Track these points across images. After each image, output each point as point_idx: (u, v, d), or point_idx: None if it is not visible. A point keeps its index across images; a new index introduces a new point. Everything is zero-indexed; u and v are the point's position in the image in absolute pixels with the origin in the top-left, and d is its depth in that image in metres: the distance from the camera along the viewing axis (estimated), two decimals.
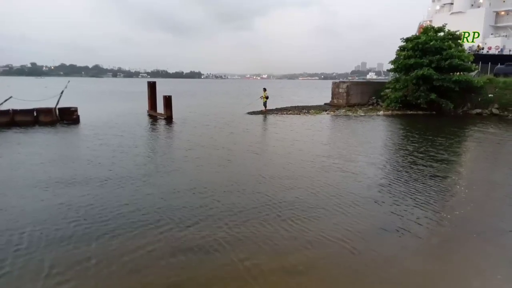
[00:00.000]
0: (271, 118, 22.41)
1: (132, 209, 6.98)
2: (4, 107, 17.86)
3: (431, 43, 25.00)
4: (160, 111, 21.85)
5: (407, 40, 27.21)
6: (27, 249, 5.35)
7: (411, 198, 7.77)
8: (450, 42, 25.16)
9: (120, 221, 6.40)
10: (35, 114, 18.10)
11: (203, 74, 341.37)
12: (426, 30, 26.81)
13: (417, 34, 30.34)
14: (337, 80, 34.57)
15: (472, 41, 24.69)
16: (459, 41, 25.78)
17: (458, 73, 25.58)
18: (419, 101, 25.11)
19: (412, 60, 25.61)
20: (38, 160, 10.76)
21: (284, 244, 5.62)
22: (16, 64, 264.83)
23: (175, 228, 6.12)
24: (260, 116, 23.16)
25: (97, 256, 5.17)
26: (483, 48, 35.20)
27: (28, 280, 4.60)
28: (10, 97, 18.35)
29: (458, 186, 8.74)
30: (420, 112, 25.47)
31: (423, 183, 8.83)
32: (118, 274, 4.76)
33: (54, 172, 9.46)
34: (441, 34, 26.24)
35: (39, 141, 14.04)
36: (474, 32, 25.00)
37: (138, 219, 6.50)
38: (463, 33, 25.05)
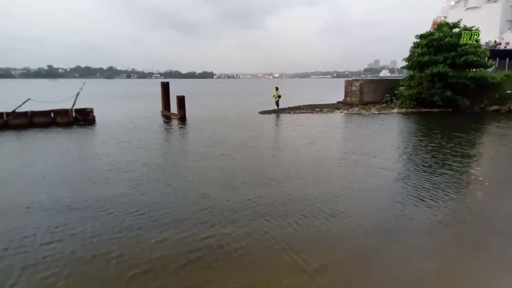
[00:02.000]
0: (284, 117, 22.39)
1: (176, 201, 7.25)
2: (22, 109, 18.31)
3: (446, 39, 24.58)
4: (174, 111, 22.08)
5: (421, 36, 26.79)
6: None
7: (436, 195, 7.69)
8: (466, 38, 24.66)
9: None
10: (52, 115, 18.51)
11: (216, 74, 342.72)
12: (441, 26, 26.35)
13: (431, 30, 29.87)
14: (350, 78, 34.30)
15: (472, 41, 24.02)
16: (474, 36, 25.24)
17: (474, 70, 25.08)
18: (434, 99, 24.72)
19: (426, 57, 25.22)
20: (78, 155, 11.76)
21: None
22: (34, 66, 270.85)
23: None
24: (273, 115, 23.18)
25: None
26: (500, 44, 34.45)
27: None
28: (28, 99, 18.77)
29: (486, 183, 8.66)
30: (436, 110, 25.07)
31: (448, 180, 8.73)
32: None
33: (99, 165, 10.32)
34: (456, 30, 25.76)
35: (67, 140, 14.54)
36: (474, 32, 24.26)
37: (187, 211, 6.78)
38: (463, 33, 24.52)
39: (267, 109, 25.51)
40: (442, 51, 24.95)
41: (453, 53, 24.44)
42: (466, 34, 24.30)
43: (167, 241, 5.64)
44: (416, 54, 26.52)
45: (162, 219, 6.47)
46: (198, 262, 5.02)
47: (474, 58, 23.97)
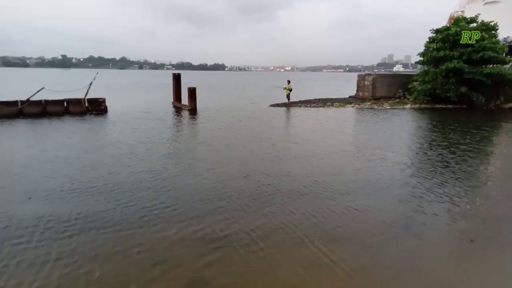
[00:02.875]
0: (295, 110, 22.27)
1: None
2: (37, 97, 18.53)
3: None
4: (185, 103, 22.14)
5: (437, 31, 26.23)
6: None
7: (453, 191, 7.59)
8: (484, 33, 24.07)
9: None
10: (65, 104, 18.73)
11: (227, 66, 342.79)
12: (457, 21, 25.73)
13: (448, 25, 29.20)
14: (362, 73, 33.87)
15: (472, 41, 23.38)
16: (493, 32, 24.63)
17: (490, 66, 24.50)
18: (448, 94, 24.27)
19: (441, 53, 24.72)
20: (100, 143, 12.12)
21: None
22: (48, 56, 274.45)
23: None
24: (284, 109, 23.07)
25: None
26: None
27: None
28: (42, 88, 18.99)
29: (505, 180, 8.56)
30: (450, 106, 24.63)
31: (466, 176, 8.60)
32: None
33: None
34: (474, 25, 25.14)
35: (82, 129, 14.71)
36: (474, 32, 23.53)
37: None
38: (463, 33, 23.89)
39: (278, 102, 25.39)
40: (458, 46, 24.41)
41: (469, 48, 23.90)
42: (466, 34, 23.73)
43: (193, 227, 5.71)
44: (431, 49, 26.00)
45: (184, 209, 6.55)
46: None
47: (492, 54, 23.39)
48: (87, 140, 12.56)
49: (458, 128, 15.94)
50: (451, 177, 8.62)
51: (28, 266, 4.65)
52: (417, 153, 11.20)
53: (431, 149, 11.66)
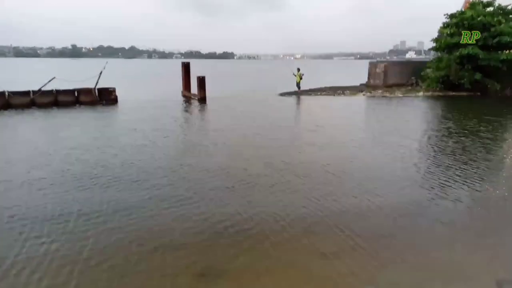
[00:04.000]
0: (305, 99, 22.06)
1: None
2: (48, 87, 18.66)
3: (479, 18, 23.30)
4: (194, 92, 22.06)
5: (452, 16, 25.52)
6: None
7: (474, 179, 7.55)
8: (500, 17, 23.34)
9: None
10: (76, 94, 18.82)
11: (236, 55, 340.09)
12: (474, 5, 24.96)
13: (463, 10, 28.38)
14: (374, 60, 33.29)
15: (472, 41, 22.67)
16: (510, 16, 23.87)
17: (507, 51, 23.80)
18: (462, 82, 23.73)
19: (456, 38, 24.07)
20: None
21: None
22: (58, 46, 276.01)
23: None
24: (294, 97, 22.85)
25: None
26: None
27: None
28: (54, 77, 19.07)
29: None
30: (464, 93, 24.08)
31: (487, 165, 8.50)
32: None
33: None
34: (490, 9, 24.37)
35: (96, 118, 14.81)
36: (474, 32, 22.77)
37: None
38: (463, 33, 23.17)
39: (288, 91, 25.15)
40: (474, 31, 23.71)
41: (485, 34, 23.22)
42: (466, 34, 23.04)
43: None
44: (445, 34, 25.37)
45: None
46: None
47: (509, 39, 22.69)
48: (107, 128, 12.69)
49: (475, 116, 15.61)
50: (472, 165, 8.49)
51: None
52: (436, 141, 11.04)
53: (451, 137, 11.48)
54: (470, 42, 22.94)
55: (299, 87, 25.32)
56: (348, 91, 25.28)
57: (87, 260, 4.54)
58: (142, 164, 8.44)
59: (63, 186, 7.06)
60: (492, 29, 22.99)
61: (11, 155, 9.29)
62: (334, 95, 23.77)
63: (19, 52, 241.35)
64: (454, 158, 9.16)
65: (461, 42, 23.25)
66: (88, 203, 6.26)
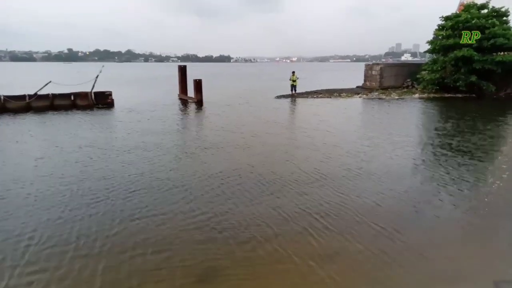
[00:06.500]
0: (301, 102, 22.08)
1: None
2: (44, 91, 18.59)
3: (473, 21, 23.47)
4: (191, 95, 22.07)
5: (447, 18, 25.70)
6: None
7: (471, 179, 7.64)
8: (494, 20, 23.51)
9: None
10: (72, 98, 18.76)
11: (233, 58, 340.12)
12: (468, 8, 25.14)
13: (458, 12, 28.59)
14: (370, 62, 33.43)
15: (472, 41, 22.85)
16: (504, 18, 24.07)
17: (502, 53, 23.96)
18: (457, 84, 23.86)
19: (451, 40, 24.23)
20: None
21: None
22: (54, 50, 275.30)
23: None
24: (290, 100, 22.88)
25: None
26: None
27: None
28: (50, 81, 19.03)
29: None
30: (459, 95, 24.22)
31: (483, 165, 8.61)
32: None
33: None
34: (485, 11, 24.56)
35: (93, 122, 14.70)
36: (474, 32, 22.92)
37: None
38: (463, 33, 23.35)
39: (284, 94, 25.18)
40: (474, 31, 23.79)
41: (480, 36, 23.37)
42: (466, 35, 23.21)
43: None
44: (440, 37, 25.53)
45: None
46: None
47: (504, 41, 22.86)
48: (103, 132, 12.64)
49: (470, 117, 15.73)
50: (470, 165, 8.54)
51: None
52: (434, 142, 11.09)
53: (451, 138, 11.54)
54: (470, 42, 23.08)
55: (295, 90, 25.35)
56: (344, 94, 25.34)
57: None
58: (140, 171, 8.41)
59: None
60: (487, 31, 23.16)
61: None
62: (330, 98, 23.82)
63: (14, 56, 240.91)
64: (452, 159, 9.20)
65: (461, 42, 23.36)
66: None
